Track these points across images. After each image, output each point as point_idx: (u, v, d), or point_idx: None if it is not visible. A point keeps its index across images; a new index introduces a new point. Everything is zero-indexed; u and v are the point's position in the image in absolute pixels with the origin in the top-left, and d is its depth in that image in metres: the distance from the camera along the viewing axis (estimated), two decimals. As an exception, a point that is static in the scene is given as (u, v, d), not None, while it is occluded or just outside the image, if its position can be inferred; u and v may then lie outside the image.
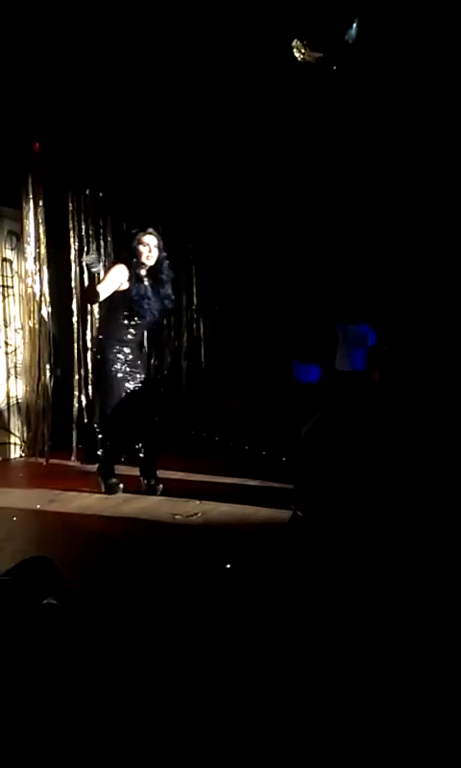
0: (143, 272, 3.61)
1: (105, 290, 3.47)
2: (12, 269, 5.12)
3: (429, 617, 1.91)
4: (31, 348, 4.99)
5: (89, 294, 3.47)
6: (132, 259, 3.56)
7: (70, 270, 5.07)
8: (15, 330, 5.13)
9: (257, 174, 6.03)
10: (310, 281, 6.81)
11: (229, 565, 2.37)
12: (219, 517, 3.16)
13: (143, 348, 3.90)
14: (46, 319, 4.89)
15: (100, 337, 3.79)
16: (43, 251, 4.83)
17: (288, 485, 3.23)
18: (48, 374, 4.92)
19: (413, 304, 5.67)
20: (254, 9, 3.63)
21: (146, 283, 3.61)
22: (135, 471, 3.78)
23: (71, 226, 5.12)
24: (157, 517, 3.16)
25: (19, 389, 5.14)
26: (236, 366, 7.41)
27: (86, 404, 4.87)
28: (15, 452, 5.14)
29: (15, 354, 5.12)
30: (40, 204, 4.83)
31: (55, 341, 4.97)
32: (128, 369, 3.63)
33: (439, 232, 5.51)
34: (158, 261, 3.62)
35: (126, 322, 3.61)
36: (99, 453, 3.75)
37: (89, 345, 5.11)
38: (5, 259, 5.08)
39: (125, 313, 3.59)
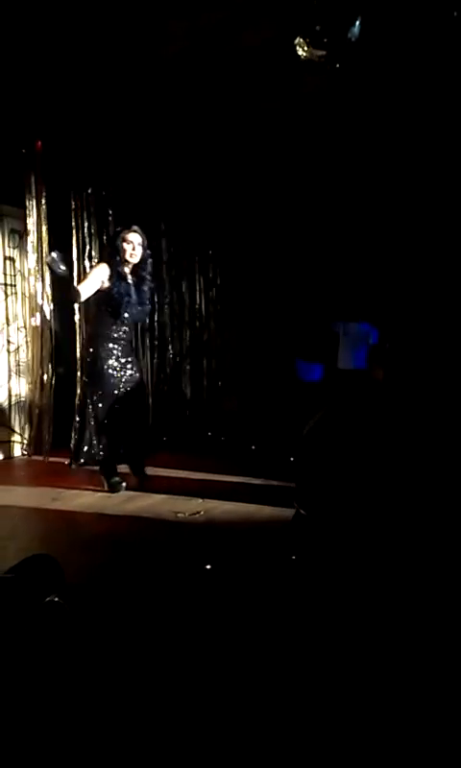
0: (126, 269, 3.62)
1: (85, 289, 3.50)
2: (14, 267, 5.12)
3: (432, 616, 1.91)
4: (33, 347, 5.00)
5: (71, 293, 3.50)
6: (115, 257, 3.58)
7: (73, 268, 5.06)
8: (18, 329, 5.13)
9: (260, 173, 6.03)
10: (312, 280, 6.81)
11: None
12: (222, 516, 3.16)
13: (133, 345, 3.91)
14: (48, 317, 4.89)
15: (91, 335, 3.82)
16: (46, 249, 4.83)
17: (291, 483, 3.22)
18: (50, 373, 4.92)
19: (414, 303, 5.66)
20: (254, 9, 3.63)
21: (129, 281, 3.62)
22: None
23: (73, 224, 5.11)
24: (159, 516, 3.17)
25: (22, 387, 5.14)
26: (239, 364, 7.41)
27: (78, 404, 4.83)
28: (18, 450, 5.14)
29: (18, 353, 5.12)
30: (43, 202, 4.83)
31: (57, 339, 4.97)
32: (119, 366, 3.65)
33: (439, 232, 5.50)
34: (142, 260, 3.64)
35: (112, 319, 3.63)
36: (99, 452, 3.77)
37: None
38: (7, 258, 5.07)
39: (109, 311, 3.61)
